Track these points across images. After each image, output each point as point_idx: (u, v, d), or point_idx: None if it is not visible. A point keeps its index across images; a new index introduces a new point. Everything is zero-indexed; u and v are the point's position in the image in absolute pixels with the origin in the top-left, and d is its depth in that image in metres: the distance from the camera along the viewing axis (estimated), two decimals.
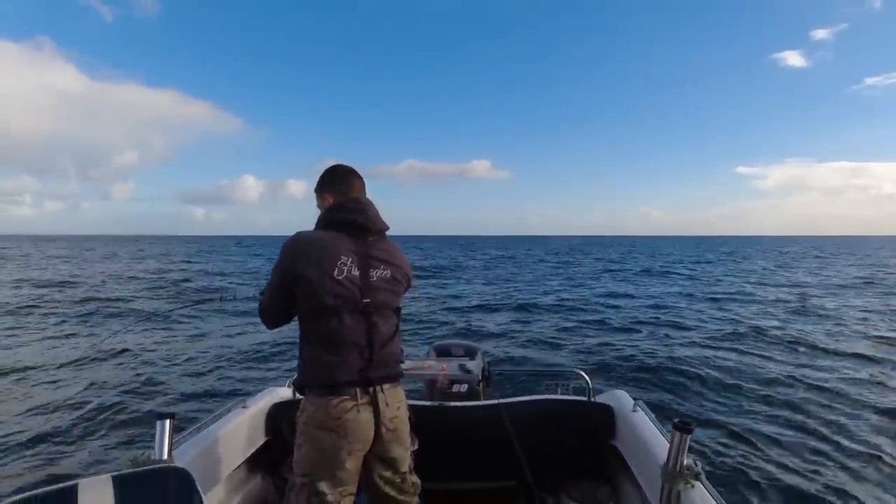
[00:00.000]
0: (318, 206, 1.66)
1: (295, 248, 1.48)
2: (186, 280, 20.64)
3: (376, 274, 1.54)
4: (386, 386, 1.53)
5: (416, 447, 1.64)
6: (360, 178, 1.66)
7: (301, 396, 1.53)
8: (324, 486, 1.43)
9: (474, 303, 13.16)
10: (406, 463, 1.59)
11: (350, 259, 1.49)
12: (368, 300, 1.50)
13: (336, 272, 1.45)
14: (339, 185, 1.63)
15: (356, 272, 1.50)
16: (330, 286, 1.45)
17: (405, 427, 1.58)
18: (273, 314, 1.56)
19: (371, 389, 1.49)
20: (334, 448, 1.43)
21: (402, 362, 1.66)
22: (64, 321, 10.47)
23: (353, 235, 1.53)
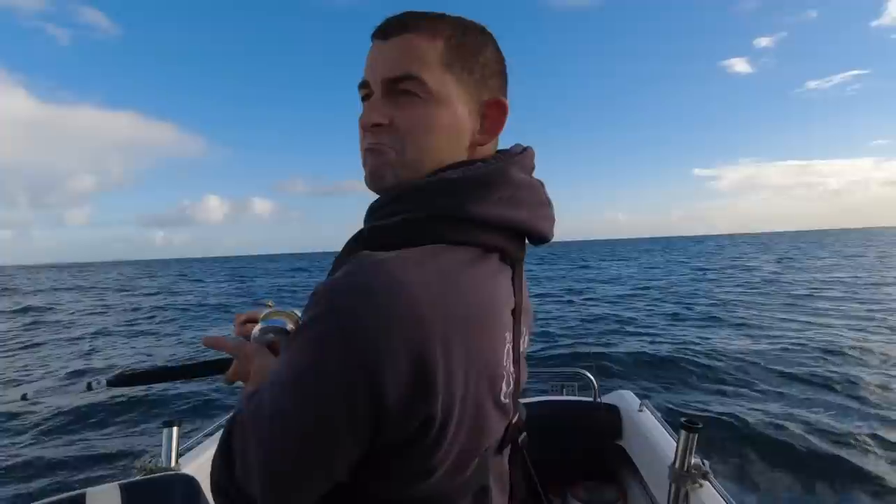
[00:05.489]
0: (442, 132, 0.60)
1: (407, 342, 0.46)
2: None
3: (522, 346, 0.71)
4: None
5: None
6: None
7: None
8: None
9: None
10: None
11: (510, 334, 0.62)
12: (518, 413, 0.69)
13: (504, 384, 0.59)
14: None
15: (512, 364, 0.63)
16: (488, 421, 0.58)
17: None
18: (296, 490, 0.51)
19: None
20: None
21: None
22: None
23: (512, 262, 0.64)
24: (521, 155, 0.64)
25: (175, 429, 1.52)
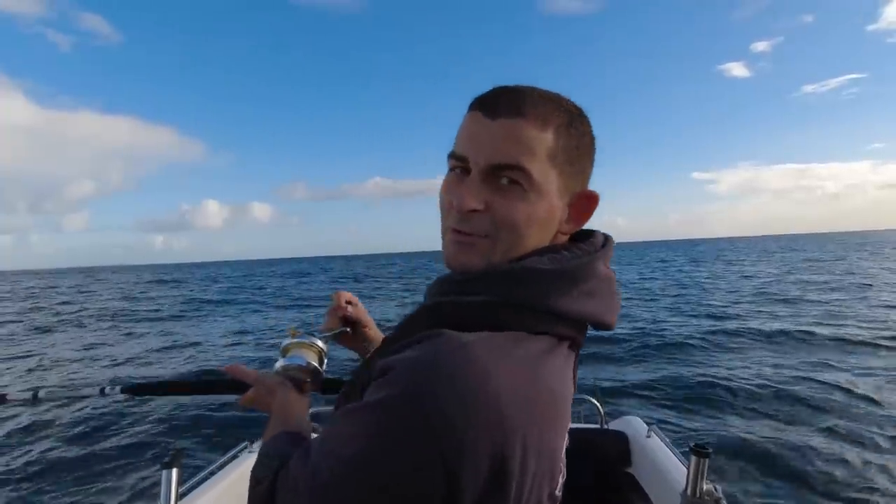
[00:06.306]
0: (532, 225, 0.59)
1: (489, 439, 0.45)
2: None
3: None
4: None
5: None
6: None
7: None
8: None
9: None
10: None
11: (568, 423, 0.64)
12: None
13: (560, 477, 0.60)
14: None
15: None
16: None
17: None
18: None
19: None
20: None
21: None
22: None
23: (577, 348, 0.64)
24: (605, 248, 0.62)
25: (175, 470, 1.47)
